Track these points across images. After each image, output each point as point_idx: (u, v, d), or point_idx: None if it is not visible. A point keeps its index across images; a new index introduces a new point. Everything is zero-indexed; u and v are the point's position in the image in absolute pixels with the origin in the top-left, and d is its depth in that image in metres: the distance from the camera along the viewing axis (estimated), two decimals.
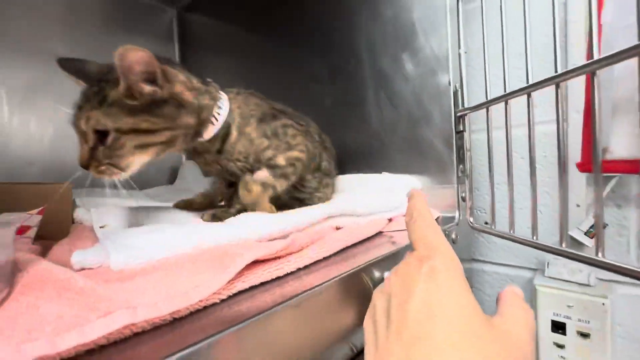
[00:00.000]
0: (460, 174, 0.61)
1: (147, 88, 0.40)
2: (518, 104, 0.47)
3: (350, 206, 0.50)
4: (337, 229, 0.48)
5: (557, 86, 0.38)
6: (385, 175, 0.70)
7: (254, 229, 0.37)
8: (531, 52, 0.43)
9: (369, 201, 0.56)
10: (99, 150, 0.40)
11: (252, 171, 0.52)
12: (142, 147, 0.41)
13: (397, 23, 0.69)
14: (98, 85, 0.41)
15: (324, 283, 0.30)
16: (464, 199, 0.63)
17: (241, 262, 0.27)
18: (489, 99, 0.51)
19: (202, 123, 0.47)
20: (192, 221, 0.49)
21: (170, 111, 0.42)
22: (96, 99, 0.40)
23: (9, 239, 0.29)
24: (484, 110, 0.52)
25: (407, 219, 0.32)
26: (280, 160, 0.53)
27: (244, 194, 0.49)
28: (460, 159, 0.61)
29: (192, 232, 0.35)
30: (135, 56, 0.38)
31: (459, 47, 0.60)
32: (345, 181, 0.75)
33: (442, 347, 0.20)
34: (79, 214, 0.59)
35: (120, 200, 0.93)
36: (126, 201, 0.78)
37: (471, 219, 0.60)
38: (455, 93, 0.60)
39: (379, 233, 0.53)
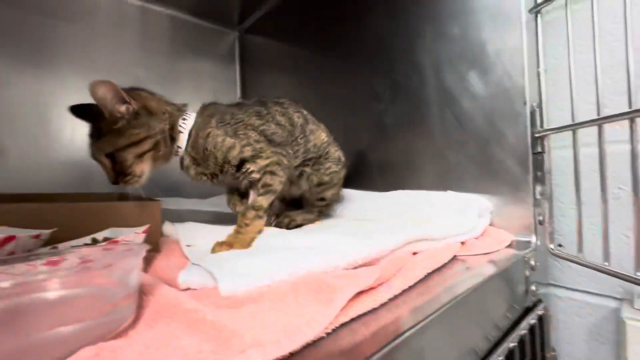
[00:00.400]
0: (538, 197, 0.58)
1: (122, 107, 0.54)
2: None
3: (428, 231, 0.50)
4: (414, 254, 0.48)
5: None
6: (451, 194, 0.69)
7: (342, 256, 0.38)
8: (635, 69, 0.39)
9: (444, 224, 0.56)
10: (116, 169, 0.55)
11: (223, 172, 0.63)
12: (139, 156, 0.56)
13: (464, 41, 0.68)
14: (94, 122, 0.55)
15: (428, 317, 0.31)
16: (541, 223, 0.59)
17: (344, 297, 0.29)
18: (575, 120, 0.48)
19: (172, 128, 0.60)
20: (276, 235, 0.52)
21: (144, 120, 0.56)
22: (96, 133, 0.55)
23: (139, 266, 0.33)
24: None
25: None
26: (254, 173, 0.62)
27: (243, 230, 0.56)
28: (539, 181, 0.58)
29: (286, 259, 0.38)
30: (103, 87, 0.51)
31: (538, 65, 0.57)
32: (406, 196, 0.75)
33: None
34: (165, 228, 0.66)
35: (193, 205, 1.02)
36: (199, 205, 0.85)
37: (552, 246, 0.57)
38: (532, 113, 0.57)
39: (453, 257, 0.52)
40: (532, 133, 0.57)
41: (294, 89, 1.21)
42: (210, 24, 1.39)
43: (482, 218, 0.62)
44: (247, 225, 0.56)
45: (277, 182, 0.63)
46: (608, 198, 0.44)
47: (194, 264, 0.43)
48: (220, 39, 1.42)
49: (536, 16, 0.57)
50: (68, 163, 1.03)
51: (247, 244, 0.52)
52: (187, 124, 0.62)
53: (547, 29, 0.60)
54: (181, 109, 0.64)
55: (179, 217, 0.75)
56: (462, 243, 0.56)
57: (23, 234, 0.37)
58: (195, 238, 0.58)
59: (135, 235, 0.46)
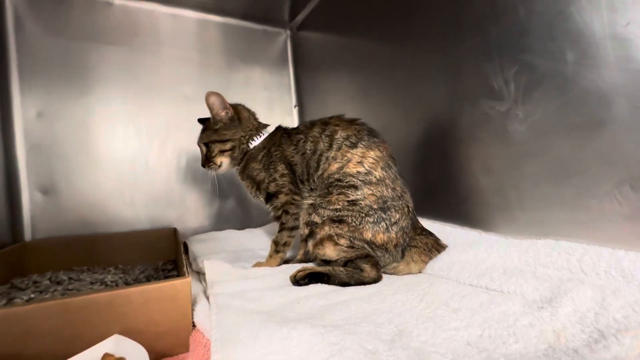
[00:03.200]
0: None
1: (222, 112, 0.74)
2: None
3: None
4: None
5: None
6: None
7: None
8: None
9: None
10: (207, 156, 0.76)
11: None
12: (221, 152, 0.74)
13: None
14: (205, 124, 0.79)
15: None
16: None
17: None
18: None
19: (247, 140, 0.75)
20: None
21: (233, 127, 0.75)
22: (204, 128, 0.78)
23: None
24: None
25: None
26: (275, 210, 0.72)
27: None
28: None
29: None
30: (213, 96, 0.72)
31: None
32: (566, 253, 0.45)
33: None
34: (198, 315, 0.47)
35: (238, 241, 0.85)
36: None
37: None
38: None
39: None
40: None
41: (356, 89, 0.97)
42: (261, 26, 1.22)
43: None
44: (269, 256, 0.69)
45: (292, 220, 0.68)
46: None
47: None
48: (272, 41, 1.25)
49: None
50: (118, 198, 0.95)
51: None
52: (253, 143, 0.75)
53: None
54: (259, 129, 0.77)
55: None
56: None
57: None
58: (233, 348, 0.37)
59: None
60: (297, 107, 1.28)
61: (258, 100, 1.20)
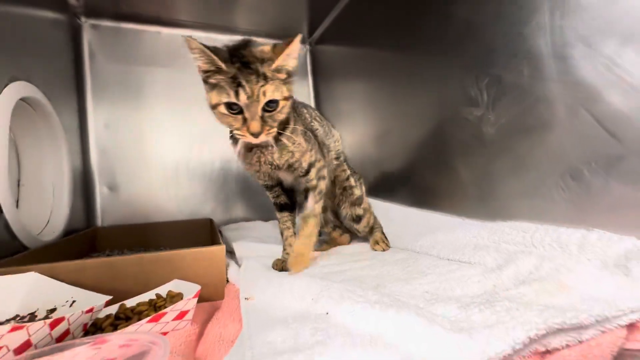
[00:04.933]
0: None
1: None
2: None
3: (568, 315, 0.32)
4: (545, 352, 0.31)
5: None
6: (600, 234, 0.47)
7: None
8: None
9: (592, 295, 0.37)
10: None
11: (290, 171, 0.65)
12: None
13: (613, 7, 0.45)
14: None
15: None
16: None
17: None
18: None
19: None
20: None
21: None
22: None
23: None
24: None
25: None
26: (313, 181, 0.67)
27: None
28: None
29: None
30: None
31: None
32: (522, 233, 0.55)
33: None
34: (232, 273, 0.63)
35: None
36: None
37: None
38: None
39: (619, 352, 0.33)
40: None
41: (369, 97, 1.09)
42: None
43: None
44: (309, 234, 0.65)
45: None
46: None
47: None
48: None
49: None
50: (164, 194, 1.14)
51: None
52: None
53: None
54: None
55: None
56: (630, 326, 0.36)
57: (73, 313, 0.35)
58: (254, 289, 0.52)
59: (186, 301, 0.42)
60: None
61: None
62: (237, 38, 1.29)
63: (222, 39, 1.29)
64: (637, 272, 0.40)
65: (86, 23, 1.07)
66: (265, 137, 0.54)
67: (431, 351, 0.29)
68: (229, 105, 0.52)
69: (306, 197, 0.67)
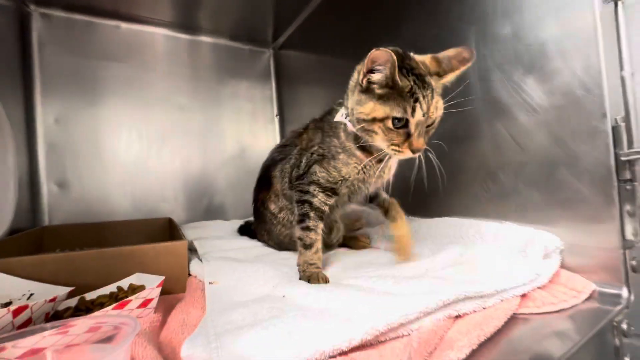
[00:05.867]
0: (631, 237, 0.45)
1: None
2: None
3: (476, 286, 0.41)
4: (457, 317, 0.40)
5: None
6: (508, 227, 0.58)
7: (359, 326, 0.32)
8: None
9: (497, 270, 0.46)
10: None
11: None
12: None
13: (518, 42, 0.56)
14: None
15: None
16: (635, 270, 0.46)
17: None
18: None
19: None
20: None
21: None
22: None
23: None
24: None
25: None
26: None
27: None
28: (630, 216, 0.45)
29: (298, 332, 0.33)
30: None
31: (621, 67, 0.44)
32: (452, 226, 0.65)
33: None
34: (194, 267, 0.65)
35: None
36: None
37: None
38: (615, 129, 0.45)
39: (511, 317, 0.42)
40: (617, 155, 0.45)
41: (328, 102, 1.16)
42: (247, 46, 1.41)
43: (549, 260, 0.50)
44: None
45: None
46: None
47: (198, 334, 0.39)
48: (257, 59, 1.44)
49: (615, 4, 0.44)
50: (119, 192, 1.11)
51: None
52: None
53: (633, 15, 0.46)
54: None
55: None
56: (523, 296, 0.45)
57: (36, 301, 0.37)
58: (218, 275, 0.56)
59: (150, 290, 0.45)
60: (278, 117, 1.47)
61: (244, 111, 1.39)
62: (201, 39, 1.31)
63: (185, 38, 1.30)
64: (531, 254, 0.50)
65: (36, 11, 1.01)
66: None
67: (370, 313, 0.35)
68: (396, 120, 0.48)
69: (375, 196, 0.70)
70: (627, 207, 0.45)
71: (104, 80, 1.11)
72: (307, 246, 0.58)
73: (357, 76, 0.54)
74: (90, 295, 0.49)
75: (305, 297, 0.43)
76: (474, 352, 0.34)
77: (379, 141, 0.52)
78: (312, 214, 0.60)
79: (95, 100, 1.09)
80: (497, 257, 0.51)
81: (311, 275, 0.52)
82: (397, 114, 0.48)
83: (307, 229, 0.59)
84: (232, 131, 1.36)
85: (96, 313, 0.40)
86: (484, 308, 0.41)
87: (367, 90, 0.51)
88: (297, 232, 0.61)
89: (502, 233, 0.57)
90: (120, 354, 0.28)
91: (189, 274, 0.62)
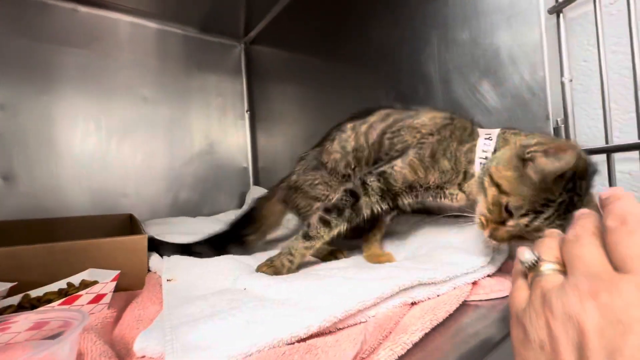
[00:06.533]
0: None
1: None
2: None
3: (428, 273, 0.43)
4: (413, 304, 0.41)
5: None
6: (464, 220, 0.61)
7: (317, 314, 0.33)
8: None
9: (449, 262, 0.49)
10: None
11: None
12: None
13: (475, 47, 0.60)
14: None
15: None
16: None
17: None
18: (611, 139, 0.40)
19: None
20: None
21: None
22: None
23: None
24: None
25: (615, 224, 0.23)
26: None
27: None
28: None
29: (255, 322, 0.33)
30: None
31: (562, 74, 0.49)
32: (412, 223, 0.68)
33: None
34: (153, 262, 0.63)
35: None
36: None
37: None
38: (556, 130, 0.49)
39: (462, 303, 0.45)
40: None
41: (299, 99, 1.17)
42: (217, 38, 1.38)
43: (498, 250, 0.54)
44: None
45: None
46: None
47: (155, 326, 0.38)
48: (227, 52, 1.41)
49: (558, 16, 0.48)
50: (75, 186, 1.04)
51: None
52: None
53: (572, 27, 0.51)
54: None
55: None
56: (474, 284, 0.48)
57: None
58: (176, 271, 0.55)
59: (104, 284, 0.43)
60: (248, 112, 1.45)
61: (213, 106, 1.35)
62: (170, 29, 1.26)
63: (152, 27, 1.25)
64: (483, 245, 0.53)
65: None
66: None
67: (329, 301, 0.36)
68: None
69: None
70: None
71: (59, 67, 1.04)
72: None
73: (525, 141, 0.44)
74: (36, 293, 0.46)
75: (266, 288, 0.43)
76: (426, 336, 0.36)
77: (480, 202, 0.48)
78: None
79: (48, 87, 1.01)
80: (451, 249, 0.54)
81: (278, 270, 0.51)
82: (517, 203, 0.42)
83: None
84: (201, 126, 1.33)
85: (41, 308, 0.37)
86: (437, 295, 0.43)
87: (523, 161, 0.42)
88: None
89: (457, 226, 0.60)
90: (64, 348, 0.27)
91: (149, 270, 0.60)
